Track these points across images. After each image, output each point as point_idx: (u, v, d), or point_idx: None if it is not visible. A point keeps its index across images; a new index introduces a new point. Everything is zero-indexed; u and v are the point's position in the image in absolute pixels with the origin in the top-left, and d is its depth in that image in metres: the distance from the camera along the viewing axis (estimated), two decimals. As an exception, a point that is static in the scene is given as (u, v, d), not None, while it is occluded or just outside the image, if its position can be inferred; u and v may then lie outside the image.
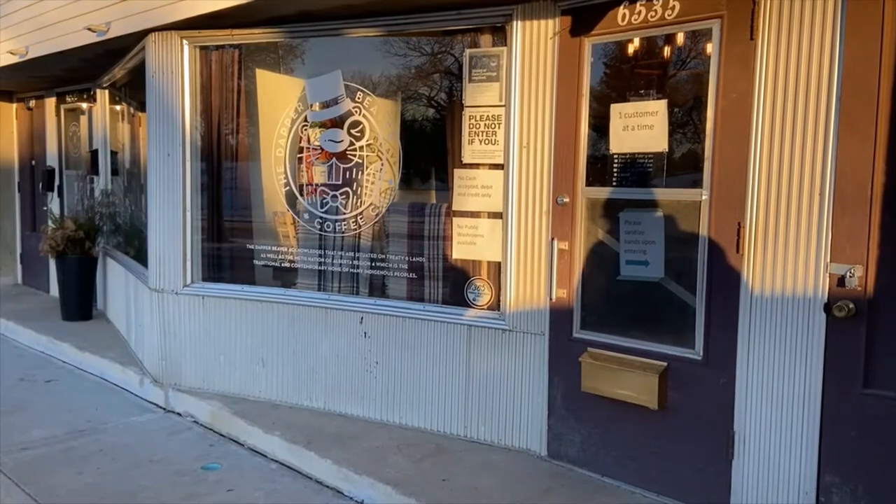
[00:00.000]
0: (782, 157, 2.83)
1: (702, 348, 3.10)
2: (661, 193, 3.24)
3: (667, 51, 3.21)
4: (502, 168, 3.76)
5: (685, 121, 3.19)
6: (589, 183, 3.46)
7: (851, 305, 2.67)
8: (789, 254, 2.83)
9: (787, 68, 2.81)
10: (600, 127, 3.41)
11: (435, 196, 4.29)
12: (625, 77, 3.38)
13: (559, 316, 3.59)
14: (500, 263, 3.83)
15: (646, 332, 3.30)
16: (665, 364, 3.20)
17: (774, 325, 2.88)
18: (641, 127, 3.25)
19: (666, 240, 3.23)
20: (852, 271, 2.67)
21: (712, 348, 3.07)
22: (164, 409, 4.84)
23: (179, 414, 4.73)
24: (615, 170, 3.37)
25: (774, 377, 2.89)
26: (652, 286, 3.29)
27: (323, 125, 4.40)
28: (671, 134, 3.17)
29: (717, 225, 3.03)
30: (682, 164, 3.20)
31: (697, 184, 3.08)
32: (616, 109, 3.33)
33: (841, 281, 2.70)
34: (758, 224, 2.91)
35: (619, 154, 3.35)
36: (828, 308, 2.72)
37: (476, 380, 3.90)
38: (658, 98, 3.22)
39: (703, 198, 3.06)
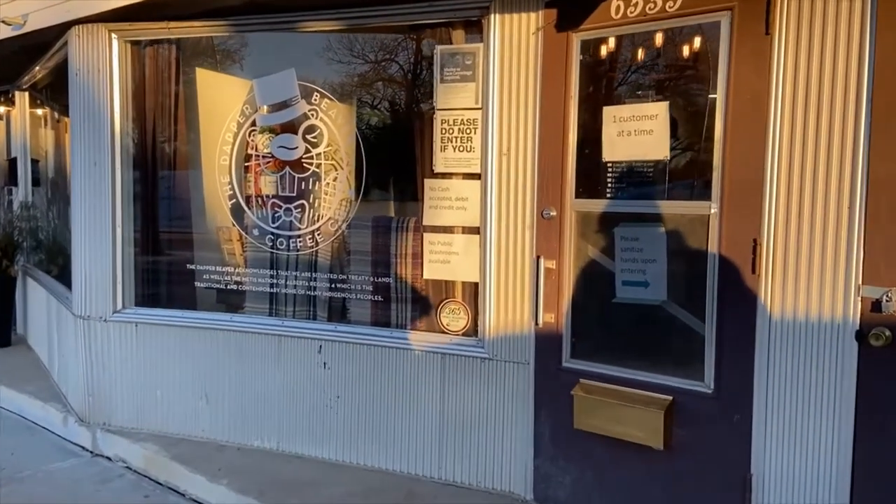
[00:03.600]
0: (805, 165, 2.52)
1: (712, 380, 2.76)
2: (663, 206, 2.90)
3: (668, 47, 2.88)
4: (479, 178, 3.37)
5: (690, 125, 2.86)
6: (579, 194, 3.10)
7: (888, 333, 2.36)
8: (814, 275, 2.52)
9: (808, 65, 2.50)
10: (591, 132, 3.05)
11: (403, 209, 3.86)
12: (619, 77, 3.04)
13: (546, 343, 3.21)
14: (477, 284, 3.43)
15: (647, 361, 2.95)
16: (670, 398, 2.84)
17: (798, 354, 2.56)
18: (639, 132, 2.90)
19: (669, 258, 2.89)
20: (889, 295, 2.36)
21: (725, 381, 2.73)
22: (91, 452, 4.25)
23: (109, 458, 4.14)
24: (609, 180, 3.02)
25: (798, 413, 2.57)
26: (653, 310, 2.94)
27: (272, 130, 3.92)
28: (674, 140, 2.84)
29: (729, 242, 2.69)
30: (686, 174, 2.87)
31: (705, 195, 2.75)
32: (609, 112, 2.98)
33: (876, 305, 2.39)
34: (776, 241, 2.59)
35: (613, 162, 3.00)
36: (860, 336, 2.41)
37: (451, 415, 3.48)
38: (658, 100, 2.88)
39: (713, 211, 2.73)
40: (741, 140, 2.65)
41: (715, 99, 2.70)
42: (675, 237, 2.88)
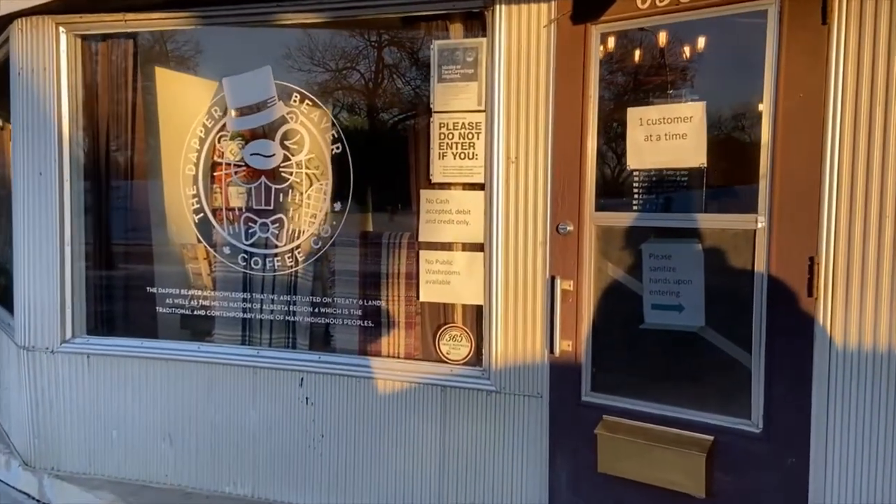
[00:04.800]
0: (871, 172, 2.21)
1: (761, 418, 2.43)
2: (700, 220, 2.57)
3: (704, 40, 2.55)
4: (483, 188, 3.00)
5: (731, 128, 2.54)
6: (600, 207, 2.75)
7: (976, 365, 2.06)
8: (883, 296, 2.21)
9: (874, 58, 2.20)
10: (614, 136, 2.72)
11: (395, 224, 3.46)
12: (647, 74, 2.71)
13: (563, 374, 2.84)
14: (481, 308, 3.05)
15: (682, 396, 2.60)
16: (711, 438, 2.50)
17: (865, 388, 2.24)
18: (670, 136, 2.57)
19: (707, 279, 2.55)
20: (977, 321, 2.06)
21: (776, 418, 2.40)
22: (37, 501, 3.73)
23: (58, 509, 3.65)
24: (635, 190, 2.68)
25: (866, 457, 2.25)
26: (688, 337, 2.60)
27: (242, 136, 3.49)
28: (712, 144, 2.50)
29: (781, 260, 2.37)
30: (728, 183, 2.55)
31: (751, 207, 2.42)
32: (635, 114, 2.64)
33: (961, 333, 2.09)
34: (838, 259, 2.27)
35: (640, 171, 2.66)
36: (942, 368, 2.11)
37: (453, 455, 3.08)
38: (692, 100, 2.55)
39: (760, 225, 2.40)
40: (793, 145, 2.33)
41: (761, 98, 2.37)
42: (715, 255, 2.55)
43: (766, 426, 2.41)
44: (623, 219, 2.73)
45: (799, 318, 2.34)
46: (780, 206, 2.36)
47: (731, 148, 2.55)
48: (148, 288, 3.72)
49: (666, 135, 2.57)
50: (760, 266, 2.40)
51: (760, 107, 2.38)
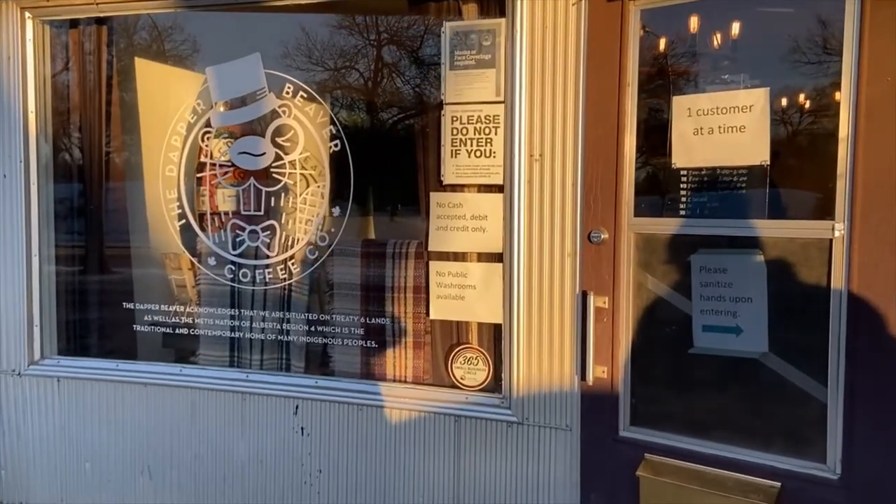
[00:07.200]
0: (979, 172, 1.84)
1: (838, 463, 2.05)
2: (762, 227, 2.18)
3: (766, 17, 2.18)
4: (502, 190, 2.62)
5: (801, 119, 2.16)
6: (639, 211, 2.38)
7: None
8: None
9: (984, 34, 1.82)
10: (656, 130, 2.35)
11: (401, 231, 3.09)
12: (695, 57, 2.33)
13: (597, 404, 2.47)
14: (500, 327, 2.68)
15: (740, 434, 2.23)
16: (778, 485, 2.13)
17: (972, 432, 1.87)
18: (725, 129, 2.19)
19: (771, 297, 2.17)
20: None
21: (858, 463, 2.02)
22: (3, 539, 3.37)
23: (25, 550, 3.27)
24: (682, 192, 2.30)
25: (973, 513, 1.87)
26: (748, 365, 2.22)
27: (229, 133, 3.12)
28: (776, 138, 2.13)
29: (864, 275, 1.99)
30: (796, 184, 2.17)
31: (826, 212, 2.04)
32: (682, 104, 2.27)
33: None
34: (936, 275, 1.90)
35: (688, 169, 2.29)
36: None
37: (469, 494, 2.71)
38: (753, 85, 2.17)
39: (837, 234, 2.03)
40: (879, 139, 1.96)
41: (839, 83, 2.00)
42: (780, 268, 2.17)
43: (846, 472, 2.04)
44: (667, 225, 2.35)
45: (887, 343, 1.96)
46: (863, 212, 1.98)
47: (801, 142, 2.18)
48: (126, 303, 3.34)
49: (720, 127, 2.20)
50: (838, 282, 2.03)
51: (838, 93, 2.00)
